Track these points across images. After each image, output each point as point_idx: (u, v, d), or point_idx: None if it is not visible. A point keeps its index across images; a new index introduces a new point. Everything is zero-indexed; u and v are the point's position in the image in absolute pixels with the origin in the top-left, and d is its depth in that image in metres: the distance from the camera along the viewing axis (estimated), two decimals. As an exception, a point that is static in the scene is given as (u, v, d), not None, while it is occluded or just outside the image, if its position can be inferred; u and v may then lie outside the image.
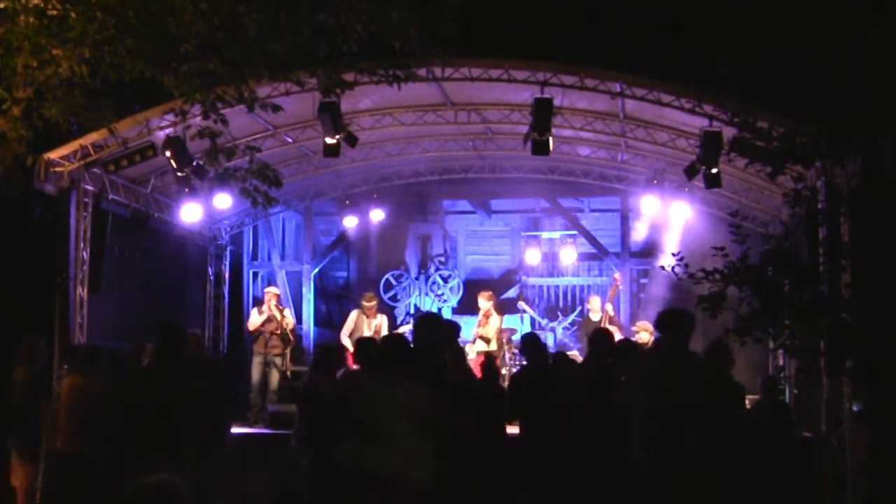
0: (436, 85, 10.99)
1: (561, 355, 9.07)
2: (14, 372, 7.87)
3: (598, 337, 8.11)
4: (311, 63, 7.33)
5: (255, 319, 12.21)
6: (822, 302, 7.39)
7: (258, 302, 13.46)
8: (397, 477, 5.23)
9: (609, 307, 12.41)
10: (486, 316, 12.19)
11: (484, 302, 12.30)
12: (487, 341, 12.00)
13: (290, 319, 12.52)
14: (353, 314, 12.38)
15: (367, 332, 12.02)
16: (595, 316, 12.48)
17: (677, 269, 7.56)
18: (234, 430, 10.90)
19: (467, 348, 11.57)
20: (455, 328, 7.35)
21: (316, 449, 6.90)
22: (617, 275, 14.39)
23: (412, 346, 5.79)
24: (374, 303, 12.39)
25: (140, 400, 6.05)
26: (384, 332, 12.30)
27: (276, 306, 12.22)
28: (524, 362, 9.51)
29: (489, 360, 8.58)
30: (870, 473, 7.89)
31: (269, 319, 12.06)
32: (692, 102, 10.29)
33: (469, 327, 12.18)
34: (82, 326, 10.95)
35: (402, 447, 5.27)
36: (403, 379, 5.43)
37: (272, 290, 12.75)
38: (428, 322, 6.21)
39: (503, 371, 11.71)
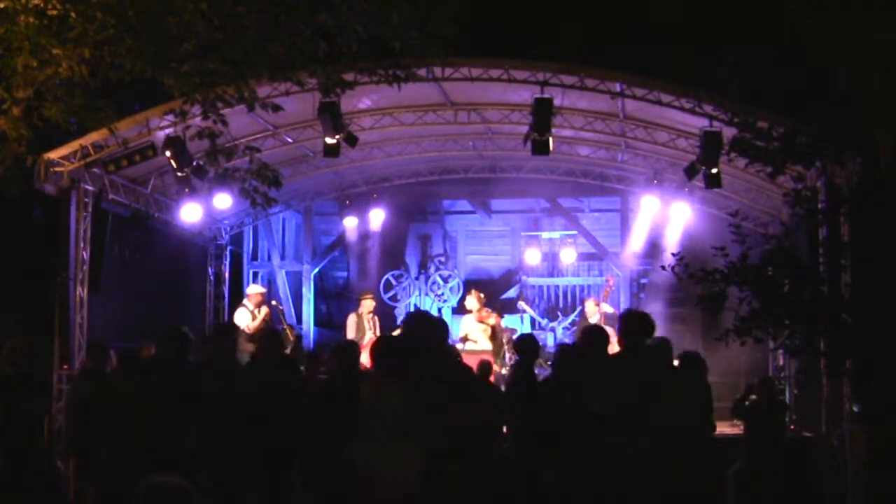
0: (436, 85, 10.98)
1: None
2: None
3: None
4: (311, 63, 7.33)
5: (249, 322, 11.94)
6: (822, 302, 7.39)
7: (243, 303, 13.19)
8: (388, 475, 5.22)
9: (605, 306, 12.41)
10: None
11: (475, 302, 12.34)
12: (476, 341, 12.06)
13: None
14: (353, 318, 12.39)
15: (369, 333, 12.11)
16: (592, 319, 12.47)
17: (677, 269, 7.56)
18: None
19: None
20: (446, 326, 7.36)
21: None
22: (609, 275, 14.41)
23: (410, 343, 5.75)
24: (370, 298, 12.54)
25: None
26: (378, 331, 12.41)
27: (266, 305, 12.15)
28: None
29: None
30: (870, 473, 7.90)
31: (264, 320, 11.94)
32: (692, 102, 10.28)
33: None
34: (82, 326, 10.93)
35: (397, 445, 5.25)
36: (413, 375, 5.42)
37: (259, 290, 12.54)
38: (419, 320, 6.16)
39: (503, 371, 11.70)
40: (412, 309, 16.02)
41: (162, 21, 6.54)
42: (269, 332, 9.05)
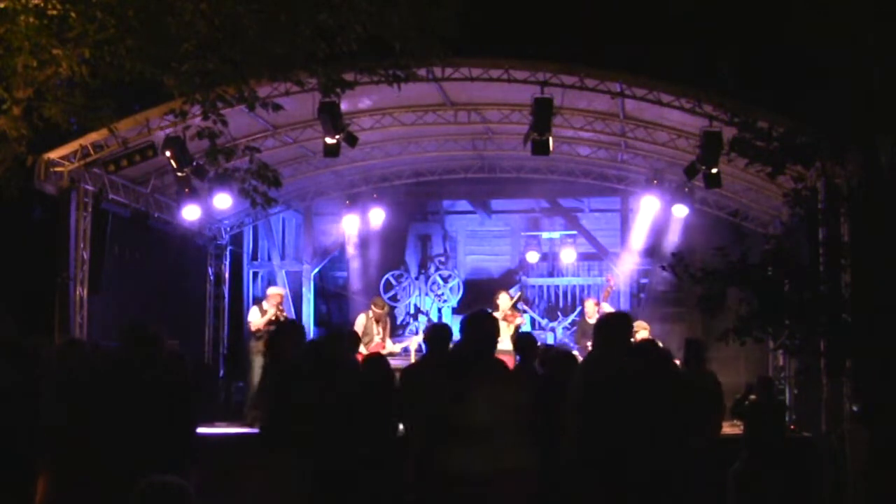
0: (436, 85, 10.98)
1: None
2: None
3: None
4: (311, 63, 7.34)
5: (256, 320, 12.00)
6: (822, 302, 7.40)
7: (258, 301, 13.41)
8: (511, 473, 5.21)
9: (606, 307, 12.40)
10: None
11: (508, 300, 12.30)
12: None
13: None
14: (362, 318, 12.33)
15: (377, 337, 12.09)
16: (592, 319, 12.46)
17: (677, 269, 7.56)
18: (233, 430, 10.95)
19: None
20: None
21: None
22: (610, 275, 14.40)
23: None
24: (384, 310, 12.49)
25: None
26: (387, 335, 12.40)
27: (279, 307, 12.15)
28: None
29: None
30: (870, 473, 7.90)
31: (271, 321, 11.94)
32: (692, 102, 10.28)
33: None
34: (82, 326, 10.93)
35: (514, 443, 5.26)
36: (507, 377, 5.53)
37: (278, 291, 12.63)
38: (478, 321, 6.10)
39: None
40: (412, 309, 16.03)
41: (162, 21, 6.55)
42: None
